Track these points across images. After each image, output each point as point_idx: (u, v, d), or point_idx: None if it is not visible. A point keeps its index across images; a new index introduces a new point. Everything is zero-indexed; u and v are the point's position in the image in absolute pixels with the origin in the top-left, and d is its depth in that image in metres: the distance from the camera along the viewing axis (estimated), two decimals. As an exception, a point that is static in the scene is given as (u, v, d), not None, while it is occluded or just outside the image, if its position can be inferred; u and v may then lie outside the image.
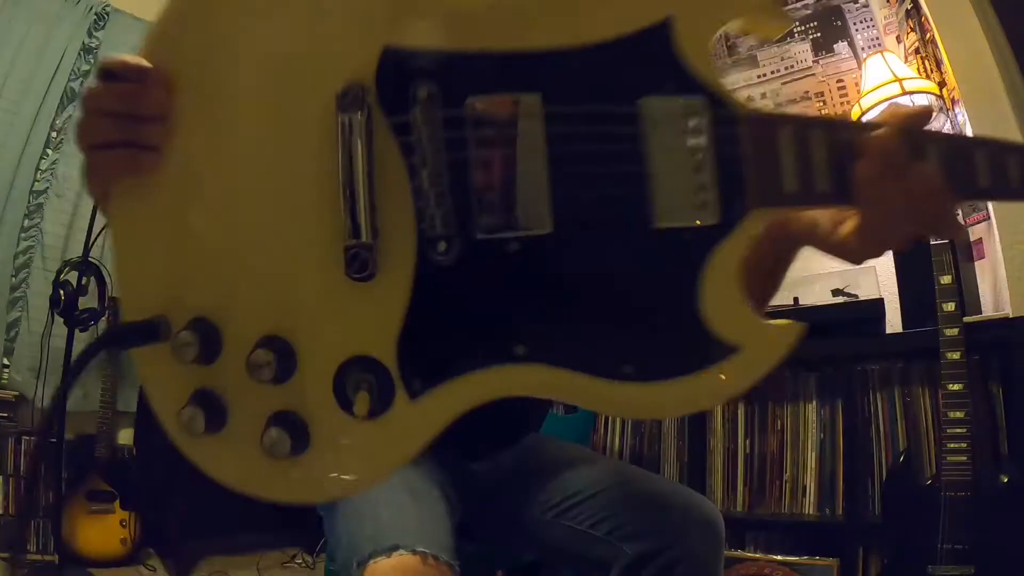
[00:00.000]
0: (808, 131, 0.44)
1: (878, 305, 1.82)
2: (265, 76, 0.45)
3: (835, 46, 2.42)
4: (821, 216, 0.52)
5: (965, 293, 1.66)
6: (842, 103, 2.37)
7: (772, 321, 0.43)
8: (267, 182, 0.45)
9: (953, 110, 1.93)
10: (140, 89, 0.45)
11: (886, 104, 1.89)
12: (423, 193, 0.43)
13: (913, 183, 0.45)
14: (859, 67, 2.30)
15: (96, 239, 2.06)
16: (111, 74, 0.45)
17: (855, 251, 0.50)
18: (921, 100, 1.96)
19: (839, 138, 0.44)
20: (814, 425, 1.90)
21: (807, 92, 2.47)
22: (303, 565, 2.43)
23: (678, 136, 0.42)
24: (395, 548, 0.66)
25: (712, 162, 0.42)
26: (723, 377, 0.42)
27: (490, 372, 0.43)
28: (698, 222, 0.42)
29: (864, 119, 0.46)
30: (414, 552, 0.66)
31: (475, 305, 0.44)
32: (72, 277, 2.07)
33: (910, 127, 0.46)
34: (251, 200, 0.45)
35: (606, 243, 0.44)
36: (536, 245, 0.43)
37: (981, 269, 1.80)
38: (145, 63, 0.45)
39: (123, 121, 0.45)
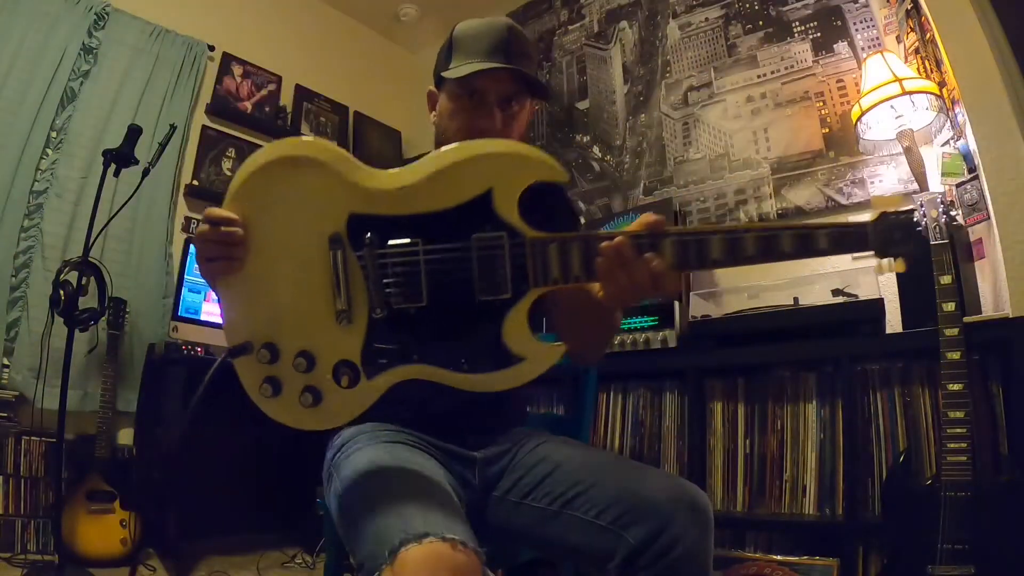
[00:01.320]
0: (568, 244, 0.80)
1: (878, 305, 1.82)
2: (289, 226, 0.84)
3: (835, 46, 2.43)
4: (594, 285, 0.84)
5: (965, 293, 1.66)
6: (842, 103, 2.37)
7: (545, 344, 0.82)
8: (297, 273, 0.85)
9: (953, 110, 1.93)
10: (231, 232, 0.82)
11: (883, 102, 1.88)
12: (369, 286, 0.83)
13: (636, 271, 0.77)
14: (859, 67, 2.30)
15: (96, 239, 2.05)
16: (213, 220, 0.81)
17: (610, 307, 0.90)
18: (921, 100, 1.96)
19: (589, 246, 0.79)
20: (814, 425, 1.90)
21: (807, 92, 2.47)
22: (303, 565, 2.43)
23: (491, 253, 0.80)
24: (425, 535, 0.69)
25: (507, 265, 0.80)
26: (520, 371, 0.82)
27: (403, 367, 0.83)
28: (500, 296, 0.80)
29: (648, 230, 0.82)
30: (443, 539, 0.69)
31: (395, 336, 0.83)
32: (72, 277, 2.06)
33: (645, 232, 0.77)
34: (289, 282, 0.85)
35: (454, 307, 0.82)
36: (421, 309, 0.83)
37: (981, 269, 1.80)
38: (233, 216, 0.82)
39: (222, 248, 0.82)
